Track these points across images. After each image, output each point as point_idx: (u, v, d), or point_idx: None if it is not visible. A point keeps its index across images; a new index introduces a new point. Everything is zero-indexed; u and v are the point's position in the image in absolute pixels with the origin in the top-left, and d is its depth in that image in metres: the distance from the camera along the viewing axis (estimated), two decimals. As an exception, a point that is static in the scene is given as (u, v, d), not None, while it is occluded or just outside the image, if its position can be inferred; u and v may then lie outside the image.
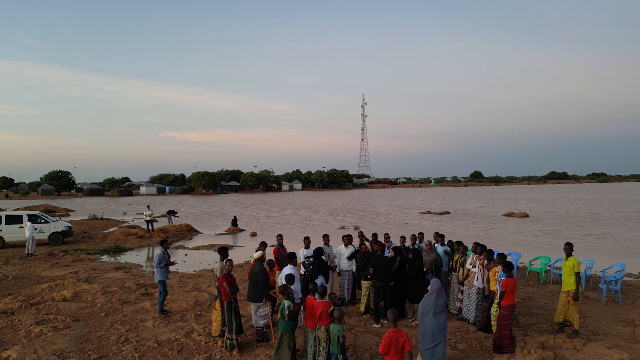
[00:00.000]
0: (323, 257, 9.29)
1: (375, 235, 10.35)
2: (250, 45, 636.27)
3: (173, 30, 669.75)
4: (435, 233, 10.38)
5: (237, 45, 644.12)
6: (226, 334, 7.16)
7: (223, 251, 7.80)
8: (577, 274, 7.43)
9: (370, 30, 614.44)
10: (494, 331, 7.31)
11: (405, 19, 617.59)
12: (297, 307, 6.30)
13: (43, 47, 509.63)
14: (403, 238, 9.97)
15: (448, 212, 38.39)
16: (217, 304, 7.62)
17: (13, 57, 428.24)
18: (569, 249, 7.68)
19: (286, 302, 6.09)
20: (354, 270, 9.65)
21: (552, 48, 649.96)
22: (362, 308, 9.04)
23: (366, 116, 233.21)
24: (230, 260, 7.45)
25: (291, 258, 7.81)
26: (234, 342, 7.03)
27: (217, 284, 7.53)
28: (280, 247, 9.50)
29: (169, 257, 9.44)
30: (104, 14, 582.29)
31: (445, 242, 10.04)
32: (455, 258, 8.97)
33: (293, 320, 6.18)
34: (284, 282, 7.48)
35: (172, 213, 28.24)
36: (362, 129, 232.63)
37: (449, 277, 9.32)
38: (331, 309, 5.92)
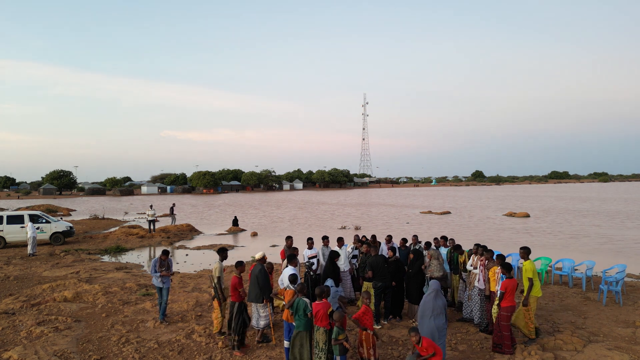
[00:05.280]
0: (318, 259, 9.30)
1: (374, 236, 10.30)
2: (251, 44, 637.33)
3: (174, 29, 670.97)
4: (442, 237, 10.23)
5: (239, 44, 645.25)
6: (231, 334, 7.17)
7: (222, 252, 7.82)
8: (530, 280, 7.20)
9: (371, 29, 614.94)
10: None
11: (408, 17, 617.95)
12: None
13: (44, 46, 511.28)
14: (389, 237, 9.97)
15: (449, 212, 38.37)
16: (216, 303, 7.63)
17: (14, 56, 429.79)
18: (524, 252, 7.52)
19: (307, 300, 6.03)
20: (350, 269, 9.67)
21: (554, 47, 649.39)
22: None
23: (367, 115, 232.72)
24: (242, 265, 7.43)
25: (291, 259, 7.81)
26: (235, 343, 7.06)
27: (214, 284, 7.55)
28: (288, 249, 9.44)
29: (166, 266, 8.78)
30: (105, 13, 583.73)
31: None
32: (462, 259, 8.96)
33: (308, 318, 6.14)
34: (285, 283, 7.49)
35: (173, 207, 29.80)
36: (363, 129, 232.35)
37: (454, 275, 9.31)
38: (330, 309, 5.90)
